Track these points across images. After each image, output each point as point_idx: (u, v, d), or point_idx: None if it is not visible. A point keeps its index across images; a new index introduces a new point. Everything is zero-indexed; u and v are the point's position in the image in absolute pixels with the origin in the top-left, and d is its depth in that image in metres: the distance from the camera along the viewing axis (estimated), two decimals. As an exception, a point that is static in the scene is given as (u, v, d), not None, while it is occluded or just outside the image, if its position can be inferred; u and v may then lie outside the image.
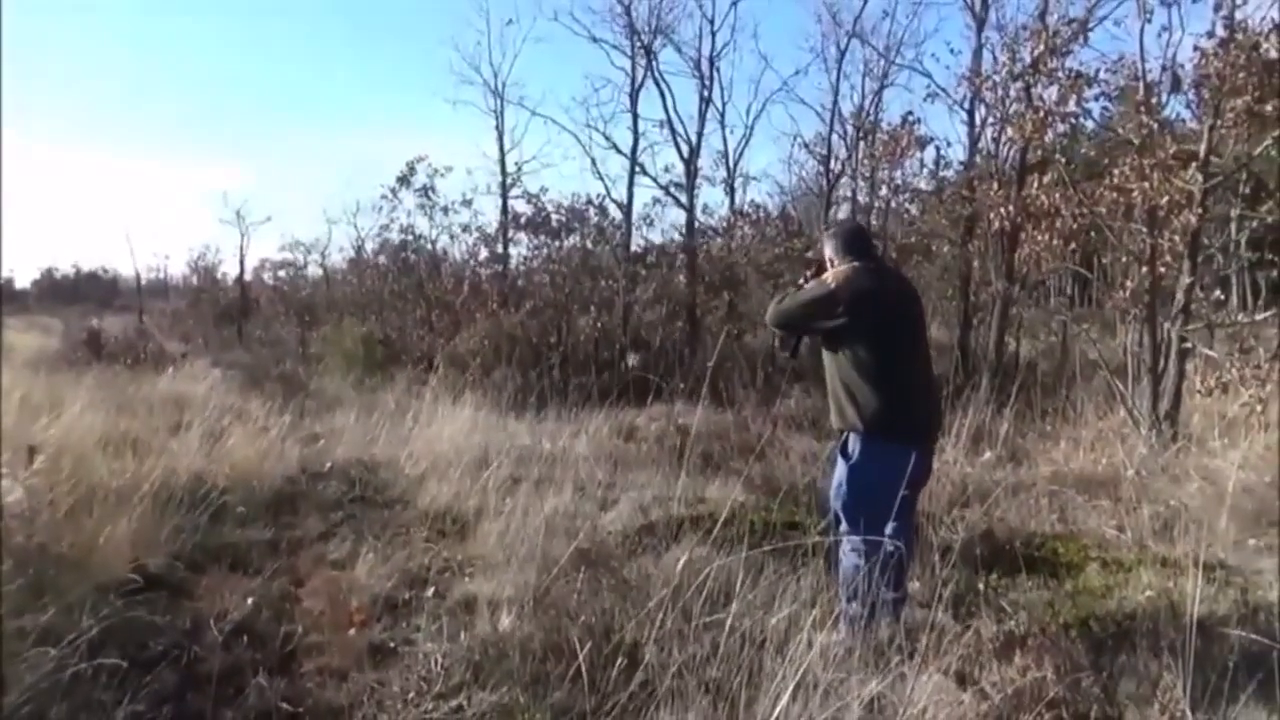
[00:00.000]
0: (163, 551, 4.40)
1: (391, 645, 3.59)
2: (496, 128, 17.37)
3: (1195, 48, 7.25)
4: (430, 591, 4.10)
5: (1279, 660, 3.40)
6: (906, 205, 14.48)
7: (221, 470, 5.93)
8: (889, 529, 3.29)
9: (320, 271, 22.28)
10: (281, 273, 22.93)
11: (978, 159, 13.18)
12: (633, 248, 14.97)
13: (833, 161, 15.51)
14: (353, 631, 3.72)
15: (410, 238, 16.11)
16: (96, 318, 21.44)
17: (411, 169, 15.37)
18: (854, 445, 3.47)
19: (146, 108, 63.71)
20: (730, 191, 17.23)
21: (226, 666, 3.30)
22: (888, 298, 3.58)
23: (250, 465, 6.09)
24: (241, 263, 24.97)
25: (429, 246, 16.14)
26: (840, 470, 3.52)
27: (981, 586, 4.20)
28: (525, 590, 3.78)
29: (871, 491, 3.35)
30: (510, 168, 16.80)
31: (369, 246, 18.36)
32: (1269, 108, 6.91)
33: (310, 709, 3.06)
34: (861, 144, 14.47)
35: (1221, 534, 4.89)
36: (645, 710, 2.68)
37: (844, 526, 3.50)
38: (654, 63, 15.99)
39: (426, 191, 15.40)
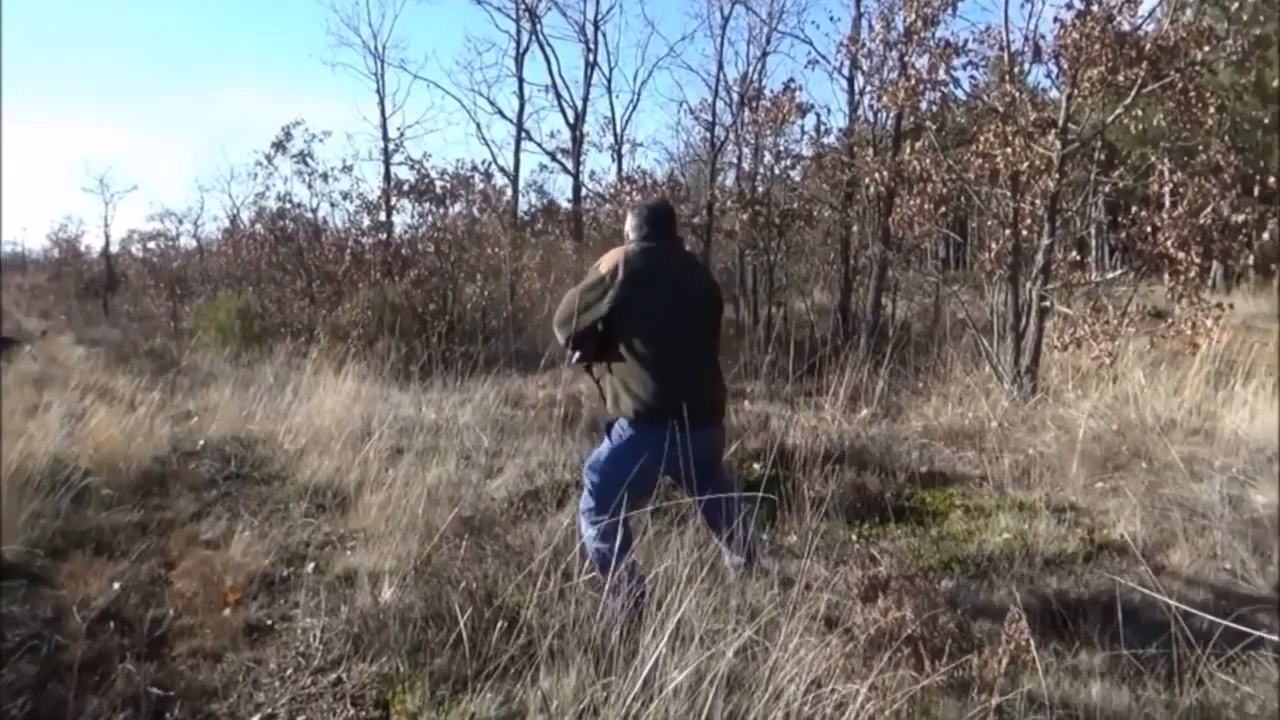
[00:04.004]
0: (19, 539, 4.17)
1: (269, 623, 3.52)
2: (377, 91, 16.92)
3: (1055, 19, 7.61)
4: (310, 567, 4.03)
5: (1119, 591, 3.69)
6: (789, 171, 14.76)
7: (85, 452, 5.65)
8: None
9: (193, 242, 21.32)
10: (151, 244, 21.82)
11: (856, 126, 13.52)
12: (520, 214, 14.84)
13: (718, 128, 15.67)
14: (227, 611, 3.62)
15: (288, 205, 15.55)
16: (-55, 294, 19.99)
17: (288, 134, 14.80)
18: (621, 428, 3.38)
19: (-7, 67, 58.92)
20: (618, 157, 17.26)
21: (91, 654, 3.18)
22: (659, 281, 3.38)
23: (116, 445, 5.80)
24: (106, 234, 23.69)
25: (308, 215, 15.63)
26: (603, 449, 3.43)
27: (853, 537, 4.40)
28: (407, 560, 3.76)
29: (624, 476, 3.24)
30: (392, 133, 16.40)
31: (245, 215, 17.63)
32: (1122, 78, 7.32)
33: (183, 692, 2.98)
34: (746, 110, 14.64)
35: (1072, 478, 5.24)
36: (526, 671, 2.71)
37: (588, 504, 3.40)
38: (538, 26, 15.80)
39: (304, 157, 14.87)
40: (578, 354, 3.46)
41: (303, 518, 4.66)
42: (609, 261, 3.40)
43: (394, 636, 3.01)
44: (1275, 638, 2.88)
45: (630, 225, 3.57)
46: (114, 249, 23.63)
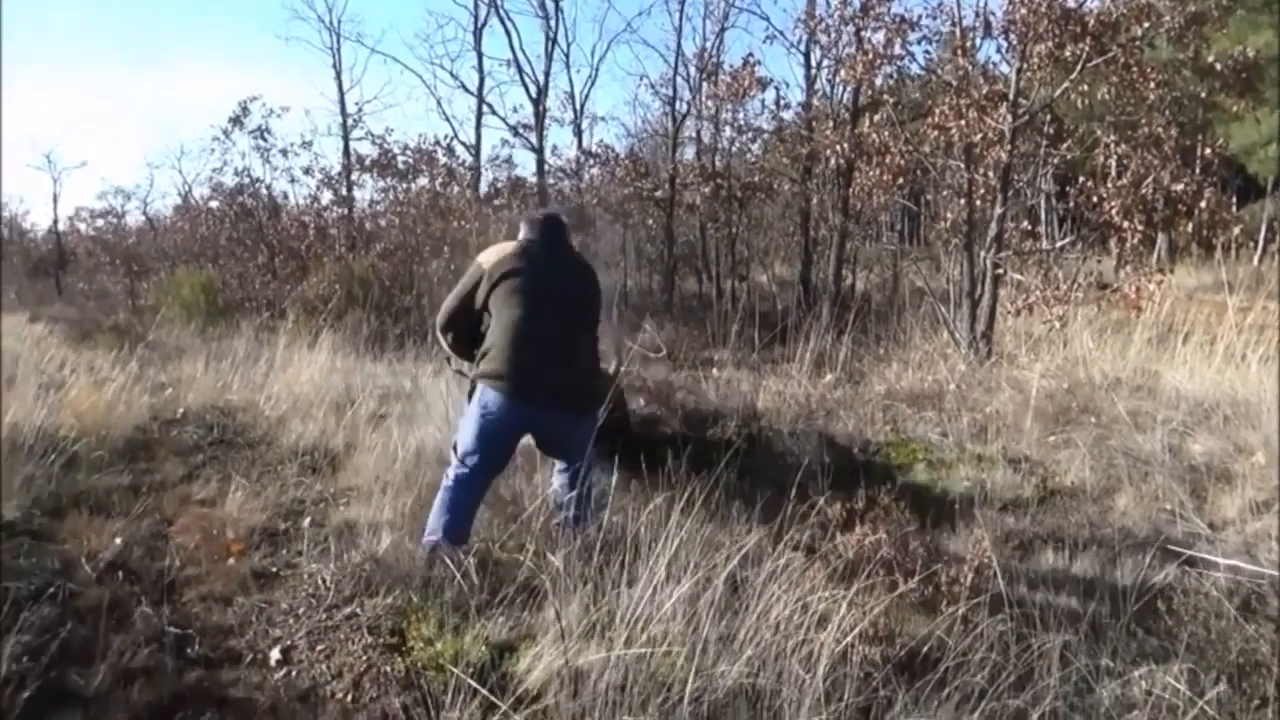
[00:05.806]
0: (15, 500, 4.26)
1: (274, 570, 3.67)
2: (334, 66, 16.79)
3: (1004, -5, 7.90)
4: (307, 521, 4.18)
5: (1069, 530, 4.01)
6: (749, 145, 14.99)
7: (66, 420, 5.70)
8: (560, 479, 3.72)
9: (141, 219, 21.02)
10: (100, 222, 21.44)
11: (815, 100, 13.78)
12: (483, 188, 14.90)
13: (677, 103, 15.84)
14: (231, 561, 3.76)
15: (247, 181, 15.39)
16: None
17: (245, 109, 14.65)
18: (476, 391, 3.66)
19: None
20: (578, 132, 17.36)
21: (108, 599, 3.31)
22: (529, 273, 3.63)
23: (98, 414, 5.85)
24: (55, 211, 23.22)
25: (266, 191, 15.49)
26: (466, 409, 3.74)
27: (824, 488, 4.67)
28: (404, 513, 3.93)
29: (472, 435, 3.57)
30: (351, 108, 16.30)
31: (198, 192, 17.41)
32: (1068, 53, 7.64)
33: (200, 630, 3.14)
34: (705, 85, 14.82)
35: (1027, 433, 5.57)
36: (534, 600, 2.92)
37: (453, 459, 3.68)
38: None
39: (262, 133, 14.73)
40: (450, 348, 3.88)
41: (294, 477, 4.79)
42: (490, 255, 3.71)
43: (405, 573, 3.20)
44: (1204, 555, 3.20)
45: (521, 232, 3.84)
46: (62, 227, 23.19)
